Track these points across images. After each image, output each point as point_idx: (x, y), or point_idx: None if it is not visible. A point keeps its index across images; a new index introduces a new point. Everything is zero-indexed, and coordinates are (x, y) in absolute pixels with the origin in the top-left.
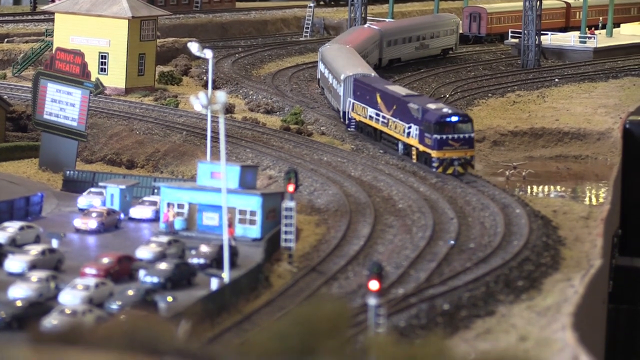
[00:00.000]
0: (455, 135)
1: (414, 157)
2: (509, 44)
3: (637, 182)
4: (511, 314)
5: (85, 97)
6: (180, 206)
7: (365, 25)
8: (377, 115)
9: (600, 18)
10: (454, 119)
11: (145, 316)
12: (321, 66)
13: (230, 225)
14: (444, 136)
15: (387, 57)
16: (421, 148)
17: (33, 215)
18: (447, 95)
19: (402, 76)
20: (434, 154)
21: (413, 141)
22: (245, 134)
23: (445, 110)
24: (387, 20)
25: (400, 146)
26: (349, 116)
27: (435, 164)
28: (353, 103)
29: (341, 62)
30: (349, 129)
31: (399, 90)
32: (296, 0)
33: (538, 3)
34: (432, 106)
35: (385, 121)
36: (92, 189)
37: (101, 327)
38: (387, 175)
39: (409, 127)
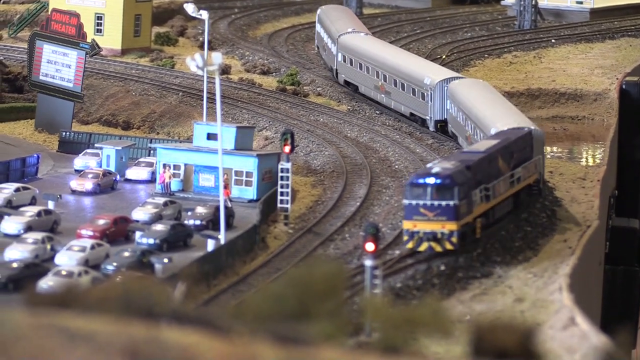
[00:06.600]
0: (429, 202)
1: None
2: (506, 5)
3: (633, 143)
4: (507, 275)
5: (81, 58)
6: (176, 167)
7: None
8: None
9: None
10: (430, 180)
11: (141, 278)
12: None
13: (226, 186)
14: (414, 202)
15: None
16: None
17: (29, 177)
18: (444, 57)
19: (399, 37)
20: (404, 224)
21: None
22: (242, 95)
23: (429, 169)
24: None
25: None
26: None
27: (404, 237)
28: None
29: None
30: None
31: (478, 146)
32: None
33: None
34: (434, 166)
35: None
36: (88, 150)
37: (97, 289)
38: (384, 136)
39: None
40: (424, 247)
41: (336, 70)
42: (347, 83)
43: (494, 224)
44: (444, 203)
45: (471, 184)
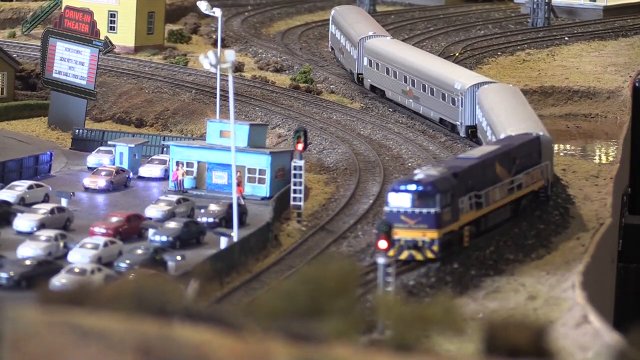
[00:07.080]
0: (410, 210)
1: None
2: (519, 2)
3: None
4: (520, 273)
5: (95, 55)
6: (189, 165)
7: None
8: None
9: None
10: (411, 187)
11: (153, 275)
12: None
13: (239, 184)
14: (395, 209)
15: None
16: None
17: (42, 174)
18: (457, 54)
19: (412, 34)
20: None
21: None
22: (255, 93)
23: (412, 176)
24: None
25: None
26: None
27: None
28: None
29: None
30: None
31: (474, 152)
32: None
33: None
34: (419, 173)
35: None
36: (101, 148)
37: (109, 287)
38: (397, 134)
39: None
40: (404, 255)
41: (359, 74)
42: (372, 88)
43: (487, 231)
44: (424, 210)
45: (458, 191)
